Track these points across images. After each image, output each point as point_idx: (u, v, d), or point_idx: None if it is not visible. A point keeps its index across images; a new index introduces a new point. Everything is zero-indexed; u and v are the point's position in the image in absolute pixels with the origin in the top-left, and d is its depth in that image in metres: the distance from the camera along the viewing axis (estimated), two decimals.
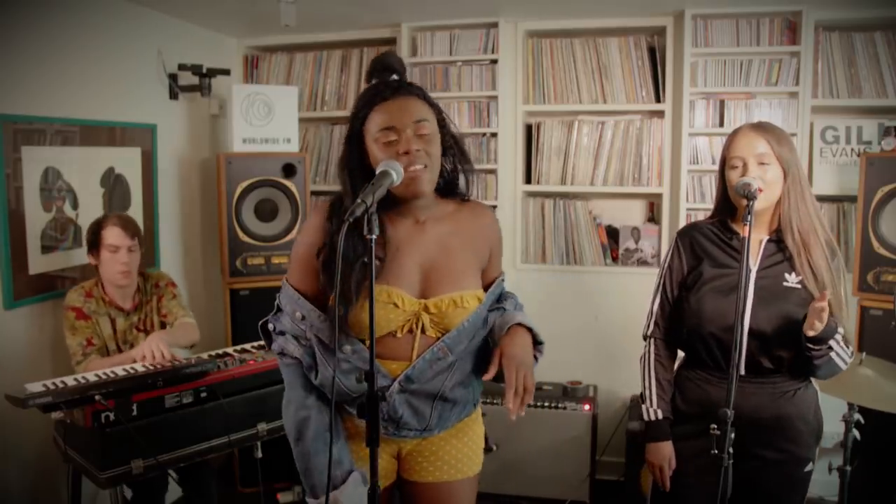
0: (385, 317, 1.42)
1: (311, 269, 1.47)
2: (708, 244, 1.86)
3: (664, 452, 1.86)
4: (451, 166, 1.54)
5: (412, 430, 1.51)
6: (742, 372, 1.76)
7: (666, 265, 1.93)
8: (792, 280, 1.76)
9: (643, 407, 1.90)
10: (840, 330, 1.71)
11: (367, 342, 1.39)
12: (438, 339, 1.47)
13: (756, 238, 1.80)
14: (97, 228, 2.44)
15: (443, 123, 1.50)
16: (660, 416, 1.86)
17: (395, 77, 1.48)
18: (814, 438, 1.84)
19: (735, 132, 1.81)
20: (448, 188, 1.55)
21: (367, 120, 1.44)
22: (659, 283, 1.94)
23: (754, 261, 1.79)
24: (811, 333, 1.62)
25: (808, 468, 1.83)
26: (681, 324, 1.87)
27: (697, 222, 1.97)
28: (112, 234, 2.40)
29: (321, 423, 1.49)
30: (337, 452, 1.47)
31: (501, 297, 1.65)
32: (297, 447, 1.50)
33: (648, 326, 1.95)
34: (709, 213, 1.96)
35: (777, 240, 1.79)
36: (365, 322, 1.39)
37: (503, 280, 1.66)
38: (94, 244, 2.44)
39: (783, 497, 1.82)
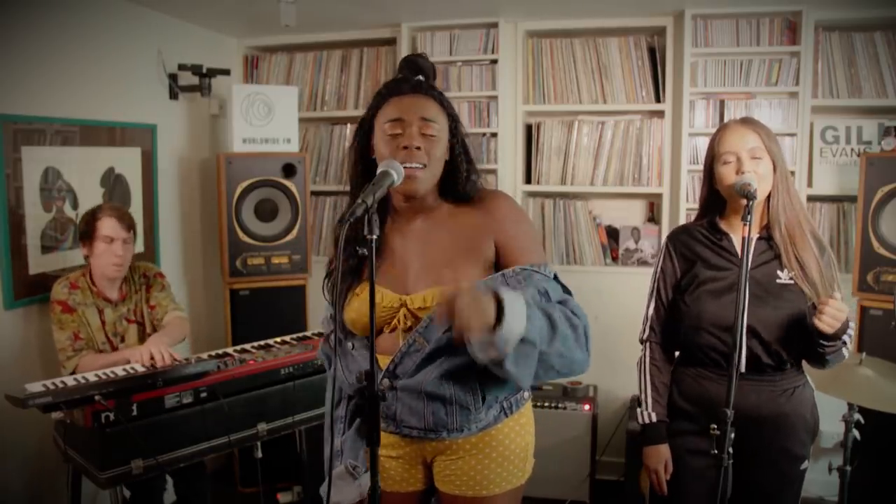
0: (367, 313, 1.41)
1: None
2: (699, 247, 1.86)
3: (661, 455, 1.85)
4: (457, 173, 1.50)
5: (413, 428, 1.47)
6: (742, 370, 1.76)
7: (658, 269, 1.93)
8: (784, 276, 1.77)
9: (639, 410, 1.90)
10: (851, 323, 1.71)
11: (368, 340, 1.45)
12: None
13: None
14: (91, 219, 2.40)
15: (455, 131, 1.50)
16: (654, 419, 1.86)
17: (420, 77, 1.50)
18: (810, 437, 1.85)
19: (724, 128, 1.81)
20: (453, 193, 1.52)
21: (380, 111, 1.47)
22: (653, 287, 1.94)
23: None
24: (828, 331, 1.62)
25: (803, 466, 1.84)
26: (678, 326, 1.87)
27: (686, 225, 1.98)
28: (107, 226, 2.37)
29: (333, 414, 1.60)
30: (339, 444, 1.55)
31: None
32: (325, 435, 1.63)
33: (644, 331, 1.95)
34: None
35: (767, 237, 1.80)
36: (350, 319, 1.49)
37: (533, 270, 1.42)
38: (88, 235, 2.40)
39: (780, 495, 1.82)
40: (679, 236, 1.92)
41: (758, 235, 1.81)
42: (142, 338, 2.52)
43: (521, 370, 1.28)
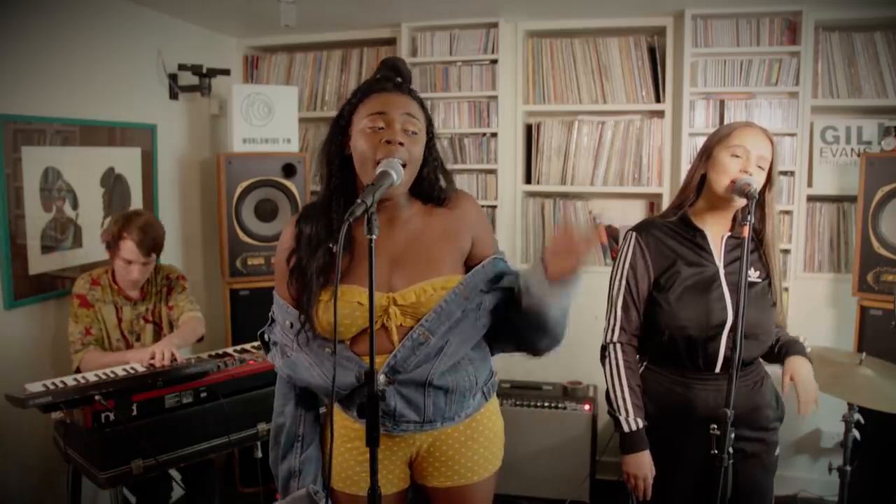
0: (350, 315, 1.42)
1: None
2: (675, 244, 1.81)
3: (646, 462, 1.77)
4: (431, 176, 1.52)
5: (410, 422, 1.47)
6: (718, 370, 1.76)
7: (626, 265, 1.83)
8: (753, 275, 1.77)
9: (620, 418, 1.78)
10: (807, 347, 1.82)
11: (347, 342, 1.46)
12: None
13: (717, 234, 1.80)
14: (118, 233, 2.39)
15: (431, 133, 1.51)
16: (640, 425, 1.77)
17: (399, 79, 1.50)
18: (779, 422, 1.86)
19: (744, 124, 1.77)
20: (425, 195, 1.53)
21: (360, 106, 1.45)
22: (619, 284, 1.83)
23: (719, 257, 1.79)
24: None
25: (777, 452, 1.85)
26: (657, 328, 1.80)
27: (653, 220, 1.90)
28: (127, 249, 2.39)
29: (292, 432, 1.56)
30: (299, 463, 1.54)
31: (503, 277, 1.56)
32: (272, 452, 1.59)
33: (613, 332, 1.83)
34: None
35: (737, 236, 1.79)
36: (325, 323, 1.43)
37: (499, 258, 1.57)
38: (112, 246, 2.42)
39: (761, 484, 1.82)
40: (650, 231, 1.83)
41: (729, 234, 1.80)
42: (157, 338, 2.54)
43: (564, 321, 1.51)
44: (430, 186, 1.53)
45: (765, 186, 1.75)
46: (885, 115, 3.08)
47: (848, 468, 2.34)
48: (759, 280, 1.78)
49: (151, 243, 2.42)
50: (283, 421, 1.56)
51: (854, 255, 2.87)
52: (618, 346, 1.82)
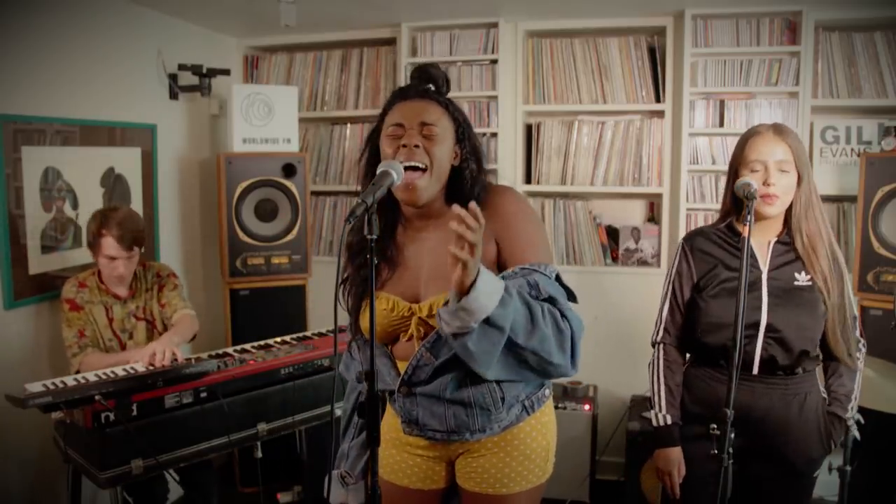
0: (379, 322, 1.46)
1: None
2: (716, 249, 1.86)
3: (675, 458, 1.82)
4: (463, 180, 1.48)
5: (436, 431, 1.48)
6: (755, 372, 1.77)
7: (674, 271, 1.91)
8: (802, 279, 1.78)
9: (652, 413, 1.87)
10: (852, 418, 1.85)
11: (389, 347, 1.52)
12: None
13: (764, 240, 1.82)
14: (97, 233, 2.37)
15: (462, 137, 1.50)
16: (669, 421, 1.83)
17: (429, 86, 1.52)
18: (824, 442, 1.83)
19: (756, 134, 1.78)
20: (459, 199, 1.47)
21: (386, 116, 1.50)
22: (667, 288, 1.92)
23: (764, 262, 1.80)
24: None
25: (816, 472, 1.84)
26: (693, 327, 1.86)
27: (702, 228, 1.97)
28: (108, 245, 2.37)
29: (351, 418, 1.70)
30: (348, 448, 1.66)
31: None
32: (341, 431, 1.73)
33: (658, 332, 1.92)
34: (711, 214, 1.96)
35: (785, 241, 1.81)
36: (364, 327, 1.52)
37: (532, 269, 1.36)
38: (93, 246, 2.41)
39: (791, 499, 1.82)
40: (695, 238, 1.91)
41: (776, 239, 1.81)
42: (150, 335, 2.54)
43: (481, 351, 1.23)
44: (472, 190, 1.47)
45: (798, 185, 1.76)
46: (885, 115, 3.08)
47: (848, 468, 2.33)
48: (808, 283, 1.77)
49: (131, 237, 2.41)
50: (347, 406, 1.71)
51: (854, 255, 2.87)
52: (661, 346, 1.91)
